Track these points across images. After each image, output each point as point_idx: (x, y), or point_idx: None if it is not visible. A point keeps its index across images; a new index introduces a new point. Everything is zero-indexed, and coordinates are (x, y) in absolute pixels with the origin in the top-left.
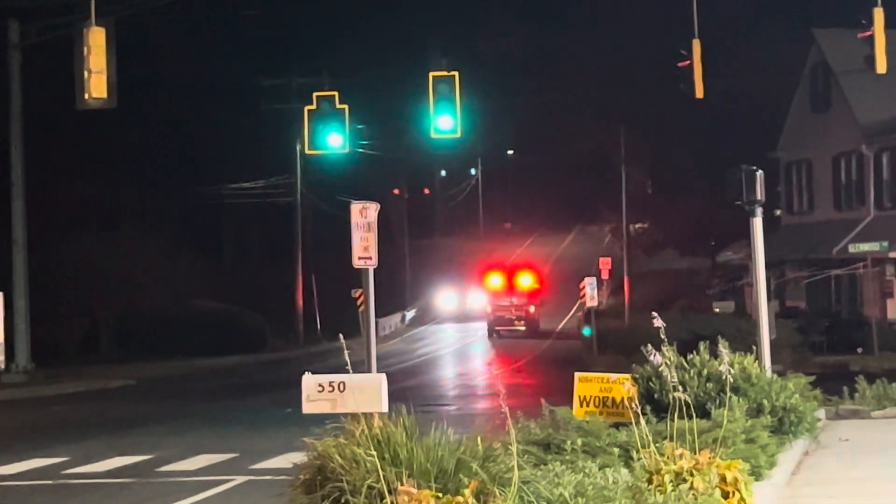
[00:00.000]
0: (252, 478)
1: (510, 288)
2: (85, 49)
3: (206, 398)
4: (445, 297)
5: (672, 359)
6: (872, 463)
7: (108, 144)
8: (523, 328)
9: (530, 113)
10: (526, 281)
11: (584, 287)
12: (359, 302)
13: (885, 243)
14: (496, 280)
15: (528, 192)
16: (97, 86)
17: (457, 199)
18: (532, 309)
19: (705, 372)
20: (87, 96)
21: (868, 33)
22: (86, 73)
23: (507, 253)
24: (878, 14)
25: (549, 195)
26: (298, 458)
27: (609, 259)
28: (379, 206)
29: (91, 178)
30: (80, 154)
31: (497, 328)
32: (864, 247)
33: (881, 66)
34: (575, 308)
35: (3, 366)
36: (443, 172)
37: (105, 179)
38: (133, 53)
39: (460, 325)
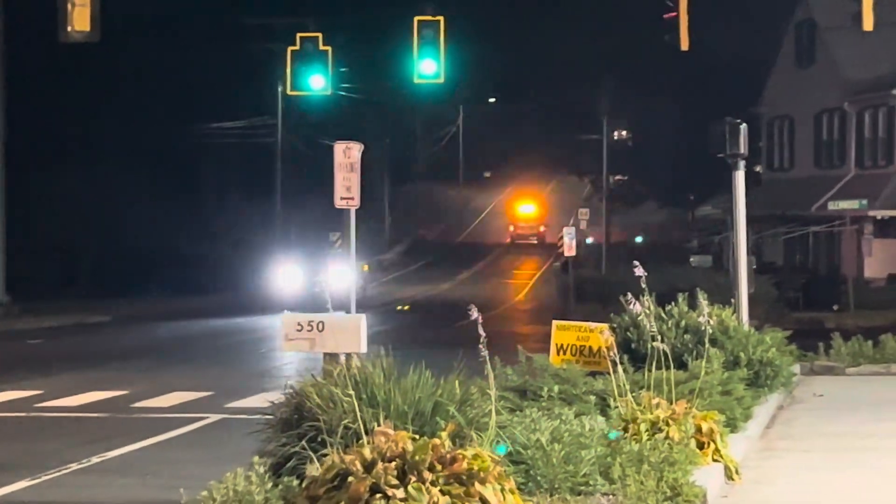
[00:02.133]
0: (227, 416)
1: (525, 214)
2: None
3: (183, 337)
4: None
5: (651, 308)
6: (846, 418)
7: (89, 79)
8: (535, 241)
9: (514, 62)
10: (535, 210)
11: (562, 237)
12: (336, 245)
13: (865, 201)
14: (520, 208)
15: (510, 140)
16: (80, 18)
17: (438, 145)
18: (542, 228)
19: (683, 323)
20: (69, 29)
21: None
22: (69, 6)
23: (518, 191)
24: None
25: (531, 144)
26: (274, 397)
27: (587, 210)
28: (362, 146)
29: (71, 113)
30: (60, 88)
31: (518, 241)
32: (844, 204)
33: (868, 24)
34: (552, 258)
35: None
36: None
37: (85, 115)
38: None
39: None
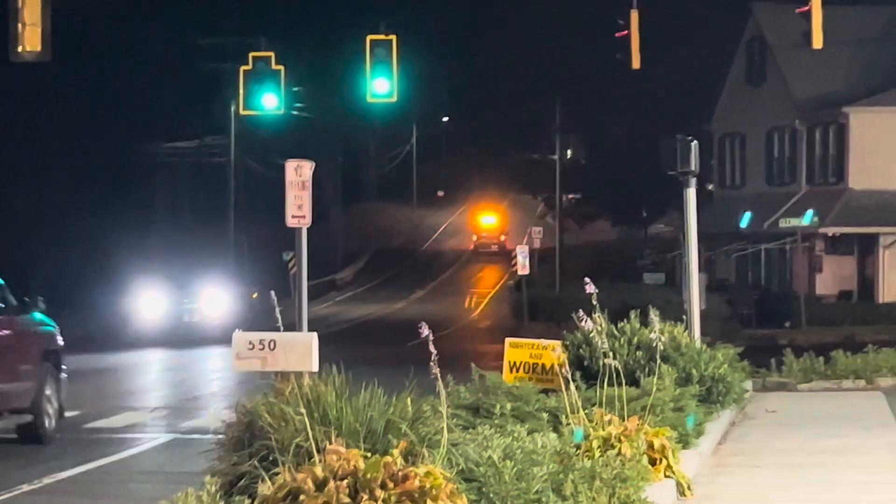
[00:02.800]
0: (179, 436)
1: (488, 225)
2: (19, 1)
3: (135, 357)
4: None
5: (603, 325)
6: (797, 434)
7: (39, 99)
8: (496, 249)
9: (467, 81)
10: (496, 221)
11: (515, 255)
12: (290, 266)
13: (816, 218)
14: (482, 219)
15: (463, 159)
16: (31, 38)
17: (391, 164)
18: (502, 238)
19: (635, 340)
20: (20, 49)
21: (805, 8)
22: (19, 26)
23: (478, 205)
24: None
25: (484, 163)
26: (226, 416)
27: (541, 228)
28: (314, 164)
29: (21, 133)
30: (11, 107)
31: (479, 249)
32: (795, 221)
33: (817, 42)
34: (505, 277)
35: None
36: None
37: (36, 134)
38: (68, 7)
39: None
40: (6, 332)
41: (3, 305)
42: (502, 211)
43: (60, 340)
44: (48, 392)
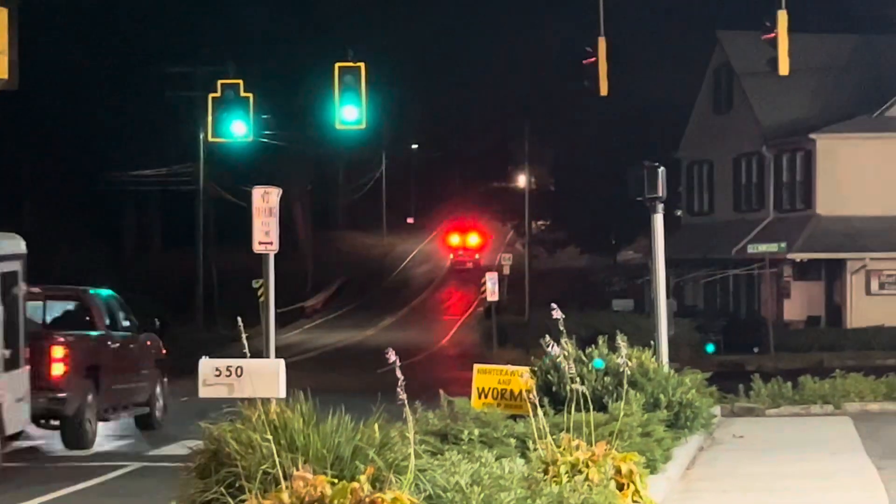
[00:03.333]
0: (147, 464)
1: (464, 243)
2: None
3: None
4: None
5: (570, 351)
6: (765, 459)
7: (7, 126)
8: (471, 266)
9: (436, 109)
10: (474, 240)
11: (485, 282)
12: (259, 293)
13: (783, 244)
14: (455, 239)
15: (432, 186)
16: None
17: (361, 191)
18: (477, 256)
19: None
20: None
21: (772, 35)
22: None
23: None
24: (782, 16)
25: (453, 191)
26: (195, 444)
27: (510, 255)
28: (281, 191)
29: None
30: None
31: (456, 268)
32: (763, 247)
33: (784, 69)
34: (475, 304)
35: None
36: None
37: (4, 163)
38: (36, 36)
39: None
40: (133, 345)
41: (128, 324)
42: (479, 230)
43: (164, 352)
44: (158, 391)
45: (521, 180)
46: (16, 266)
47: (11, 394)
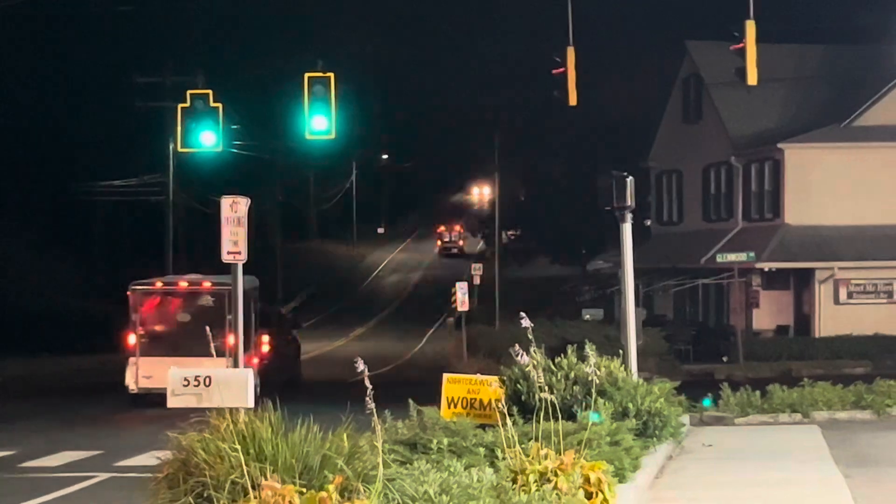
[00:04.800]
0: (116, 475)
1: (450, 233)
2: None
3: (72, 396)
4: None
5: (540, 360)
6: (734, 468)
7: None
8: (457, 251)
9: (406, 119)
10: (457, 228)
11: (455, 292)
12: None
13: (752, 254)
14: (443, 228)
15: (403, 196)
16: None
17: (331, 201)
18: (461, 242)
19: (572, 375)
20: None
21: (740, 45)
22: None
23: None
24: (751, 26)
25: (424, 200)
26: (164, 455)
27: (481, 265)
28: (249, 201)
29: None
30: None
31: (443, 252)
32: (732, 257)
33: (752, 78)
34: (445, 314)
35: None
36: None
37: None
38: (3, 44)
39: None
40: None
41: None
42: (461, 224)
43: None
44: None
45: (489, 191)
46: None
47: None
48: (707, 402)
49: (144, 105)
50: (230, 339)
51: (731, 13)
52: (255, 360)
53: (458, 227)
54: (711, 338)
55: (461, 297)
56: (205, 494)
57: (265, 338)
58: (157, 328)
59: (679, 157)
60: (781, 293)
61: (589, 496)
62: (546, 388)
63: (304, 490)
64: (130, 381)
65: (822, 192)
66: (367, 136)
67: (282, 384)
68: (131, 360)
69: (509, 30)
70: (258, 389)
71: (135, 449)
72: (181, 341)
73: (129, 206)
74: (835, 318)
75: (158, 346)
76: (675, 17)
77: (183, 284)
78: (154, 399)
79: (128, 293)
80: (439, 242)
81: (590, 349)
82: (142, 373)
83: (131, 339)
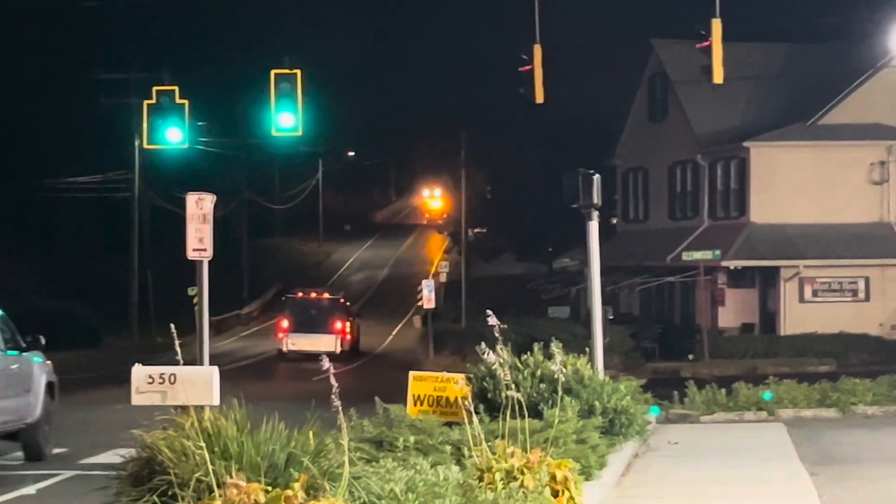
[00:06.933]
0: (80, 472)
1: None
2: None
3: None
4: None
5: (506, 358)
6: (700, 465)
7: None
8: (442, 223)
9: (372, 117)
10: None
11: (421, 289)
12: (194, 300)
13: (718, 252)
14: (429, 203)
15: (370, 193)
16: None
17: (298, 198)
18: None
19: (539, 373)
20: None
21: (706, 44)
22: None
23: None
24: (717, 25)
25: (390, 198)
26: (128, 452)
27: (447, 262)
28: (215, 197)
29: None
30: None
31: (430, 224)
32: (697, 255)
33: (718, 77)
34: (412, 312)
35: None
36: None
37: None
38: None
39: None
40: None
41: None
42: (445, 199)
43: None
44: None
45: (456, 188)
46: None
47: None
48: (655, 410)
49: (110, 101)
50: (337, 325)
51: (698, 12)
52: (349, 337)
53: (441, 202)
54: (677, 336)
55: (427, 294)
56: (169, 493)
57: (348, 325)
58: (299, 317)
59: (645, 155)
60: (747, 291)
61: (555, 494)
62: (512, 385)
63: (270, 488)
64: (284, 347)
65: (788, 191)
66: (333, 133)
67: (357, 349)
68: (283, 336)
69: (477, 27)
70: (349, 354)
71: (99, 447)
72: (311, 325)
73: (93, 202)
74: (800, 316)
75: (300, 327)
76: (641, 16)
77: (313, 294)
78: (294, 356)
79: (282, 298)
80: (426, 215)
81: (556, 347)
82: (289, 342)
83: (284, 323)
